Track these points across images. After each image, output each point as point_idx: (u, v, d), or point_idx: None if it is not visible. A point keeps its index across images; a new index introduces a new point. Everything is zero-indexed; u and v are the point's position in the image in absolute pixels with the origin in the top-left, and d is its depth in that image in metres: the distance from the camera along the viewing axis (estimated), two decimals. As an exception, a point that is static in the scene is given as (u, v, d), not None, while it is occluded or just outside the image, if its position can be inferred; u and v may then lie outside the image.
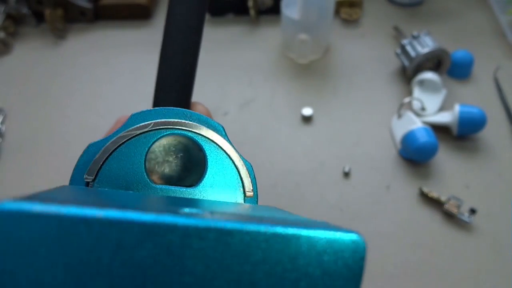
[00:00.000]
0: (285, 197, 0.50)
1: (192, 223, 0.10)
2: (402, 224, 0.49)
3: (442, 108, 0.59)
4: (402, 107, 0.57)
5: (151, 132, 0.16)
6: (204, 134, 0.17)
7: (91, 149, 0.17)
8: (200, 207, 0.13)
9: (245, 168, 0.18)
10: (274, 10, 0.72)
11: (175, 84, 0.24)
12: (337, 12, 0.74)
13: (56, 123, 0.61)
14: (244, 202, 0.17)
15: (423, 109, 0.58)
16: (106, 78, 0.67)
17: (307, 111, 0.59)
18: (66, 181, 0.48)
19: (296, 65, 0.67)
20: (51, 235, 0.10)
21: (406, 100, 0.57)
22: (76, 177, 0.17)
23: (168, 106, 0.23)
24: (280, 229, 0.10)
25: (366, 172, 0.53)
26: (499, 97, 0.61)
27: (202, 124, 0.18)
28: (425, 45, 0.60)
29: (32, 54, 0.71)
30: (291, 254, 0.10)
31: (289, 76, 0.66)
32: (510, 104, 0.60)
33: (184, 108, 0.24)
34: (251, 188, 0.17)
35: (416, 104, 0.58)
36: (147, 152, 0.17)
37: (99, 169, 0.16)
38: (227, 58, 0.69)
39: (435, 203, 0.50)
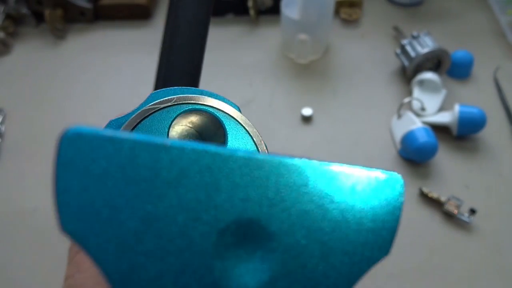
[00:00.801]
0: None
1: (251, 155, 0.11)
2: (402, 224, 0.49)
3: (442, 108, 0.59)
4: (402, 107, 0.57)
5: (174, 107, 0.17)
6: (225, 110, 0.18)
7: (113, 123, 0.17)
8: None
9: (263, 143, 0.19)
10: (274, 10, 0.72)
11: (180, 75, 0.24)
12: (337, 12, 0.74)
13: (55, 123, 0.61)
14: None
15: (423, 109, 0.58)
16: (106, 78, 0.67)
17: (307, 111, 0.59)
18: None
19: (296, 65, 0.67)
20: (127, 157, 0.10)
21: (406, 100, 0.57)
22: None
23: None
24: (331, 164, 0.11)
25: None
26: (499, 97, 0.61)
27: (220, 101, 0.19)
28: (425, 45, 0.60)
29: (32, 54, 0.71)
30: (339, 187, 0.11)
31: (289, 76, 0.66)
32: (510, 104, 0.60)
33: None
34: None
35: (416, 104, 0.58)
36: (170, 126, 0.17)
37: None
38: (227, 58, 0.69)
39: (435, 203, 0.50)
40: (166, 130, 0.17)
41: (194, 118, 0.18)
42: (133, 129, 0.17)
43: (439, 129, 0.56)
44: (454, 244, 0.47)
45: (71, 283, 0.29)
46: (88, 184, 0.10)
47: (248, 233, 0.11)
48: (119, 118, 0.18)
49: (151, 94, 0.18)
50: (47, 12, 0.69)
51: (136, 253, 0.10)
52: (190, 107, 0.17)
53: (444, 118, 0.56)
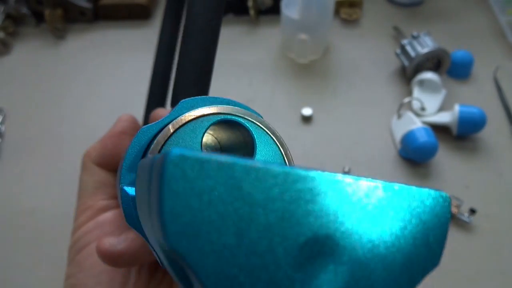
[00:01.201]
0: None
1: (321, 175, 0.12)
2: (402, 224, 0.49)
3: (442, 108, 0.59)
4: (402, 107, 0.57)
5: (207, 116, 0.18)
6: (253, 120, 0.19)
7: (145, 131, 0.18)
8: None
9: (289, 153, 0.20)
10: (274, 10, 0.72)
11: (195, 80, 0.25)
12: (337, 12, 0.74)
13: (55, 123, 0.61)
14: None
15: (423, 109, 0.58)
16: (106, 78, 0.67)
17: (306, 111, 0.59)
18: (66, 181, 0.48)
19: (296, 65, 0.67)
20: (224, 179, 0.11)
21: (406, 100, 0.57)
22: (130, 157, 0.18)
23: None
24: (396, 184, 0.13)
25: (366, 172, 0.53)
26: (499, 97, 0.61)
27: (245, 110, 0.20)
28: (425, 45, 0.60)
29: (32, 54, 0.71)
30: (397, 203, 0.13)
31: (289, 76, 0.66)
32: (510, 104, 0.60)
33: None
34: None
35: (416, 104, 0.58)
36: (203, 135, 0.18)
37: (160, 149, 0.17)
38: (227, 58, 0.69)
39: (435, 203, 0.50)
40: (199, 141, 0.18)
41: (224, 129, 0.19)
42: (167, 139, 0.17)
43: (439, 129, 0.56)
44: (454, 244, 0.47)
45: (73, 282, 0.29)
46: (191, 203, 0.11)
47: (323, 247, 0.12)
48: (151, 125, 0.19)
49: (181, 103, 0.19)
50: (47, 12, 0.69)
51: (231, 266, 0.12)
52: (221, 117, 0.18)
53: (444, 118, 0.56)
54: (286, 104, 0.62)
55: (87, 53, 0.70)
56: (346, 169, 0.53)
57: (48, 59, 0.70)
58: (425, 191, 0.13)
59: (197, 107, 0.19)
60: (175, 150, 0.11)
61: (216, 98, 0.20)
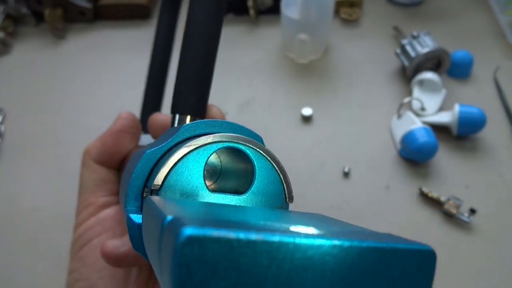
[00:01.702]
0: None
1: (328, 242, 0.12)
2: (402, 224, 0.49)
3: (441, 108, 0.59)
4: (402, 107, 0.57)
5: (210, 145, 0.18)
6: (253, 146, 0.19)
7: (149, 156, 0.19)
8: (297, 223, 0.15)
9: (287, 175, 0.20)
10: (274, 10, 0.72)
11: (195, 88, 0.25)
12: (336, 12, 0.74)
13: (55, 123, 0.61)
14: (286, 207, 0.20)
15: (423, 109, 0.58)
16: (106, 78, 0.67)
17: (306, 111, 0.59)
18: (66, 181, 0.48)
19: (295, 65, 0.67)
20: (228, 254, 0.11)
21: (406, 100, 0.57)
22: (135, 184, 0.19)
23: (188, 108, 0.25)
24: (385, 245, 0.12)
25: (366, 172, 0.53)
26: (498, 97, 0.61)
27: (244, 134, 0.20)
28: (425, 45, 0.60)
29: (32, 54, 0.71)
30: (387, 264, 0.12)
31: (289, 76, 0.66)
32: (510, 104, 0.60)
33: (201, 110, 0.26)
34: (293, 195, 0.20)
35: (416, 104, 0.58)
36: (205, 163, 0.18)
37: (164, 179, 0.18)
38: (227, 58, 0.69)
39: (435, 203, 0.50)
40: (202, 171, 0.18)
41: (227, 152, 0.19)
42: (173, 167, 0.18)
43: (439, 129, 0.56)
44: (454, 244, 0.47)
45: (76, 277, 0.30)
46: (204, 281, 0.11)
47: None
48: (154, 150, 0.19)
49: (184, 127, 0.19)
50: (47, 12, 0.69)
51: None
52: (224, 145, 0.18)
53: (444, 118, 0.56)
54: (286, 104, 0.62)
55: (87, 53, 0.70)
56: (346, 169, 0.53)
57: (48, 59, 0.70)
58: (410, 250, 0.13)
59: (199, 132, 0.19)
60: (185, 231, 0.11)
61: (217, 122, 0.20)
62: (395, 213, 0.50)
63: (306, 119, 0.59)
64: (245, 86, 0.65)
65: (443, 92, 0.59)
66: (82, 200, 0.32)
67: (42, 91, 0.65)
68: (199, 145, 0.18)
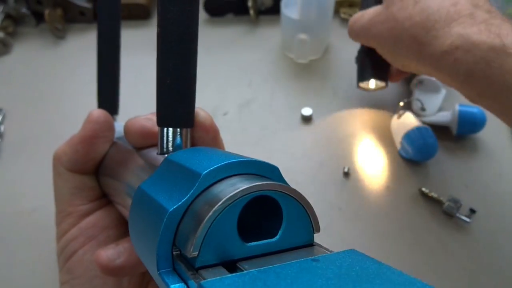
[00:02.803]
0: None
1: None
2: (402, 224, 0.49)
3: (441, 108, 0.59)
4: (402, 107, 0.57)
5: (239, 199, 0.17)
6: (279, 189, 0.18)
7: (173, 215, 0.18)
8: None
9: (311, 206, 0.19)
10: (273, 10, 0.72)
11: (182, 98, 0.24)
12: (336, 12, 0.74)
13: (55, 123, 0.61)
14: (314, 237, 0.19)
15: (422, 109, 0.58)
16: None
17: (306, 111, 0.59)
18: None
19: (295, 65, 0.67)
20: None
21: (406, 100, 0.57)
22: (163, 247, 0.18)
23: (178, 121, 0.24)
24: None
25: (366, 172, 0.53)
26: (498, 97, 0.61)
27: (261, 168, 0.19)
28: None
29: (32, 54, 0.71)
30: None
31: (289, 76, 0.66)
32: (510, 104, 0.60)
33: (191, 120, 0.24)
34: (319, 225, 0.19)
35: (416, 104, 0.58)
36: (238, 218, 0.17)
37: (201, 243, 0.17)
38: (226, 58, 0.69)
39: (435, 203, 0.50)
40: (235, 227, 0.17)
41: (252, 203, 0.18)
42: (208, 230, 0.17)
43: (439, 129, 0.56)
44: (453, 244, 0.47)
45: None
46: None
47: None
48: (177, 207, 0.18)
49: (202, 176, 0.18)
50: (46, 12, 0.69)
51: None
52: (253, 195, 0.17)
53: (444, 118, 0.56)
54: (286, 104, 0.62)
55: (87, 53, 0.70)
56: (346, 169, 0.53)
57: (48, 59, 0.70)
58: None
59: (219, 177, 0.18)
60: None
61: (233, 161, 0.19)
62: (395, 213, 0.50)
63: (306, 119, 0.59)
64: (245, 86, 0.65)
65: (443, 92, 0.59)
66: (60, 210, 0.30)
67: (42, 91, 0.65)
68: (230, 202, 0.17)
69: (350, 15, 0.73)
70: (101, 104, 0.36)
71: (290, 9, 0.64)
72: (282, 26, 0.67)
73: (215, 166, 0.18)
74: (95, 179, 0.31)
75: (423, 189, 0.50)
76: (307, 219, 0.19)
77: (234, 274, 0.16)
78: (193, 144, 0.27)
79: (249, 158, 0.20)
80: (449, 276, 0.45)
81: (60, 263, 0.30)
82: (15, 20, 0.74)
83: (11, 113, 0.62)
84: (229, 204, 0.17)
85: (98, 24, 0.35)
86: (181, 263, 0.18)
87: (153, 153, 0.26)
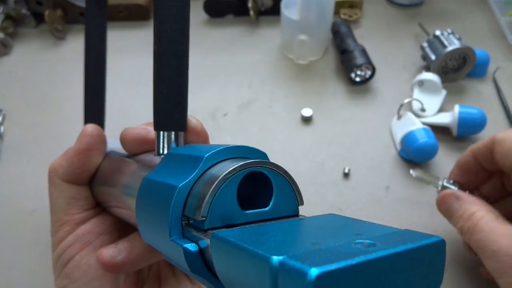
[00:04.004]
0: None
1: (392, 252, 0.15)
2: (402, 225, 0.49)
3: (442, 109, 0.59)
4: (402, 108, 0.57)
5: (238, 173, 0.21)
6: (269, 166, 0.22)
7: (182, 190, 0.21)
8: (351, 233, 0.17)
9: (295, 182, 0.23)
10: (273, 10, 0.72)
11: (176, 105, 0.27)
12: (336, 12, 0.74)
13: (55, 124, 0.61)
14: (299, 209, 0.23)
15: (422, 110, 0.58)
16: (106, 78, 0.66)
17: (306, 111, 0.59)
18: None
19: (295, 65, 0.67)
20: (349, 281, 0.14)
21: (406, 100, 0.57)
22: (174, 216, 0.21)
23: (172, 125, 0.27)
24: (414, 245, 0.16)
25: (366, 173, 0.53)
26: (498, 97, 0.61)
27: (253, 153, 0.23)
28: (451, 43, 0.60)
29: (32, 55, 0.71)
30: (414, 259, 0.16)
31: (289, 76, 0.66)
32: (510, 104, 0.60)
33: (184, 124, 0.28)
34: (303, 199, 0.23)
35: (416, 105, 0.58)
36: (237, 189, 0.21)
37: (209, 208, 0.20)
38: (226, 59, 0.69)
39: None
40: (235, 196, 0.21)
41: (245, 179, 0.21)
42: (213, 198, 0.20)
43: (439, 130, 0.56)
44: (454, 243, 0.47)
45: None
46: None
47: None
48: (185, 183, 0.21)
49: (205, 158, 0.22)
50: (46, 13, 0.69)
51: None
52: (249, 170, 0.21)
53: (444, 118, 0.56)
54: (286, 104, 0.62)
55: (87, 54, 0.70)
56: (346, 170, 0.53)
57: (48, 59, 0.70)
58: (431, 243, 0.16)
59: (219, 159, 0.22)
60: (313, 272, 0.13)
61: (229, 147, 0.22)
62: (395, 214, 0.50)
63: (306, 120, 0.59)
64: (245, 87, 0.65)
65: (443, 93, 0.59)
66: (55, 219, 0.32)
67: (42, 91, 0.65)
68: (230, 175, 0.20)
69: (350, 16, 0.74)
70: (88, 121, 0.39)
71: (290, 10, 0.64)
72: (282, 27, 0.67)
73: (215, 150, 0.22)
74: (89, 190, 0.33)
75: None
76: (293, 193, 0.23)
77: (237, 227, 0.20)
78: None
79: (242, 145, 0.23)
80: (449, 276, 0.45)
81: (57, 270, 0.31)
82: (15, 20, 0.74)
83: (11, 114, 0.62)
84: (230, 176, 0.20)
85: (85, 49, 0.39)
86: (189, 229, 0.21)
87: (149, 156, 0.29)
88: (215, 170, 0.21)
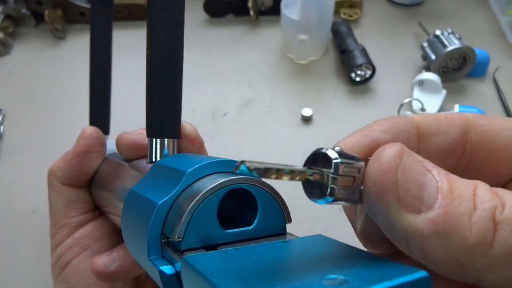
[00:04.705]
0: (285, 197, 0.50)
1: None
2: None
3: (442, 109, 0.59)
4: (402, 108, 0.57)
5: (218, 191, 0.19)
6: (253, 183, 0.20)
7: (162, 208, 0.20)
8: (323, 270, 0.16)
9: (283, 199, 0.21)
10: (274, 10, 0.72)
11: (170, 111, 0.26)
12: (336, 12, 0.74)
13: (55, 123, 0.61)
14: (286, 227, 0.22)
15: (423, 109, 0.58)
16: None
17: (306, 111, 0.59)
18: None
19: (295, 65, 0.67)
20: None
21: (406, 100, 0.57)
22: (153, 234, 0.20)
23: (165, 132, 0.26)
24: (392, 283, 0.14)
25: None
26: (498, 97, 0.61)
27: (237, 170, 0.22)
28: (452, 43, 0.60)
29: (32, 55, 0.71)
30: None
31: (289, 76, 0.66)
32: (509, 104, 0.60)
33: (177, 131, 0.27)
34: (291, 216, 0.22)
35: (416, 105, 0.58)
36: (217, 211, 0.20)
37: (185, 229, 0.19)
38: (227, 59, 0.69)
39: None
40: (215, 215, 0.20)
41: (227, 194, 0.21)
42: (191, 218, 0.19)
43: (439, 130, 0.56)
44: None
45: None
46: None
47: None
48: (165, 200, 0.20)
49: (187, 174, 0.21)
50: (46, 12, 0.69)
51: None
52: (230, 187, 0.20)
53: (444, 118, 0.56)
54: (286, 104, 0.62)
55: (87, 54, 0.70)
56: (346, 170, 0.53)
57: (48, 59, 0.70)
58: (416, 280, 0.14)
59: (202, 174, 0.21)
60: None
61: (213, 161, 0.21)
62: (395, 214, 0.50)
63: (306, 120, 0.59)
64: (245, 87, 0.65)
65: (443, 92, 0.59)
66: (54, 222, 0.32)
67: (42, 91, 0.65)
68: (210, 194, 0.19)
69: (350, 16, 0.73)
70: (93, 124, 0.39)
71: (290, 10, 0.64)
72: (282, 26, 0.67)
73: (198, 165, 0.21)
74: (88, 192, 0.33)
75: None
76: (280, 211, 0.21)
77: (213, 251, 0.19)
78: None
79: (228, 158, 0.22)
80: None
81: (55, 273, 0.31)
82: (15, 20, 0.74)
83: (11, 114, 0.62)
84: (210, 194, 0.19)
85: (90, 52, 0.38)
86: (168, 248, 0.20)
87: (143, 163, 0.28)
88: (196, 186, 0.20)
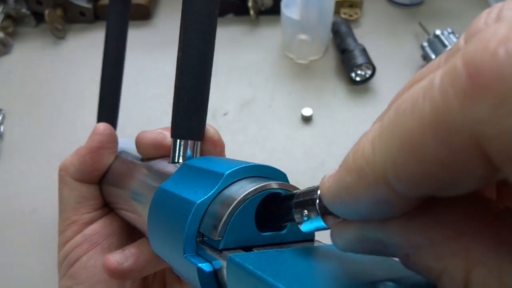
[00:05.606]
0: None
1: None
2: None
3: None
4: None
5: (257, 194, 0.20)
6: (287, 188, 0.21)
7: (200, 207, 0.21)
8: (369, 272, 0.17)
9: None
10: (274, 10, 0.72)
11: (196, 114, 0.27)
12: (336, 12, 0.74)
13: (55, 123, 0.61)
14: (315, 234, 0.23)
15: (423, 109, 0.58)
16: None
17: (307, 111, 0.59)
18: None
19: (296, 65, 0.67)
20: None
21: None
22: (190, 233, 0.21)
23: (190, 134, 0.27)
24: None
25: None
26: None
27: (273, 173, 0.23)
28: (451, 43, 0.60)
29: (32, 54, 0.71)
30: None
31: (289, 76, 0.66)
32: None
33: (202, 133, 0.28)
34: None
35: (416, 104, 0.58)
36: (254, 214, 0.21)
37: (225, 230, 0.20)
38: (227, 58, 0.69)
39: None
40: (253, 218, 0.20)
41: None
42: (231, 218, 0.20)
43: (439, 129, 0.56)
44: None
45: None
46: None
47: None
48: (203, 200, 0.21)
49: (225, 176, 0.21)
50: (46, 12, 0.69)
51: None
52: (268, 191, 0.20)
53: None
54: (286, 104, 0.62)
55: (87, 53, 0.70)
56: (346, 170, 0.53)
57: (48, 59, 0.70)
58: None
59: (238, 177, 0.22)
60: None
61: (248, 166, 0.22)
62: (395, 214, 0.50)
63: (306, 119, 0.59)
64: (245, 86, 0.65)
65: (443, 92, 0.59)
66: (64, 218, 0.31)
67: (42, 91, 0.65)
68: (250, 196, 0.20)
69: (351, 15, 0.73)
70: (101, 121, 0.39)
71: (290, 10, 0.64)
72: (282, 26, 0.67)
73: (236, 168, 0.22)
74: (99, 189, 0.33)
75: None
76: None
77: (254, 251, 0.19)
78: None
79: (262, 164, 0.23)
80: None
81: (62, 270, 0.31)
82: (15, 20, 0.74)
83: (11, 113, 0.62)
84: (251, 197, 0.20)
85: (104, 48, 0.38)
86: (204, 247, 0.20)
87: (162, 163, 0.28)
88: (234, 189, 0.21)
